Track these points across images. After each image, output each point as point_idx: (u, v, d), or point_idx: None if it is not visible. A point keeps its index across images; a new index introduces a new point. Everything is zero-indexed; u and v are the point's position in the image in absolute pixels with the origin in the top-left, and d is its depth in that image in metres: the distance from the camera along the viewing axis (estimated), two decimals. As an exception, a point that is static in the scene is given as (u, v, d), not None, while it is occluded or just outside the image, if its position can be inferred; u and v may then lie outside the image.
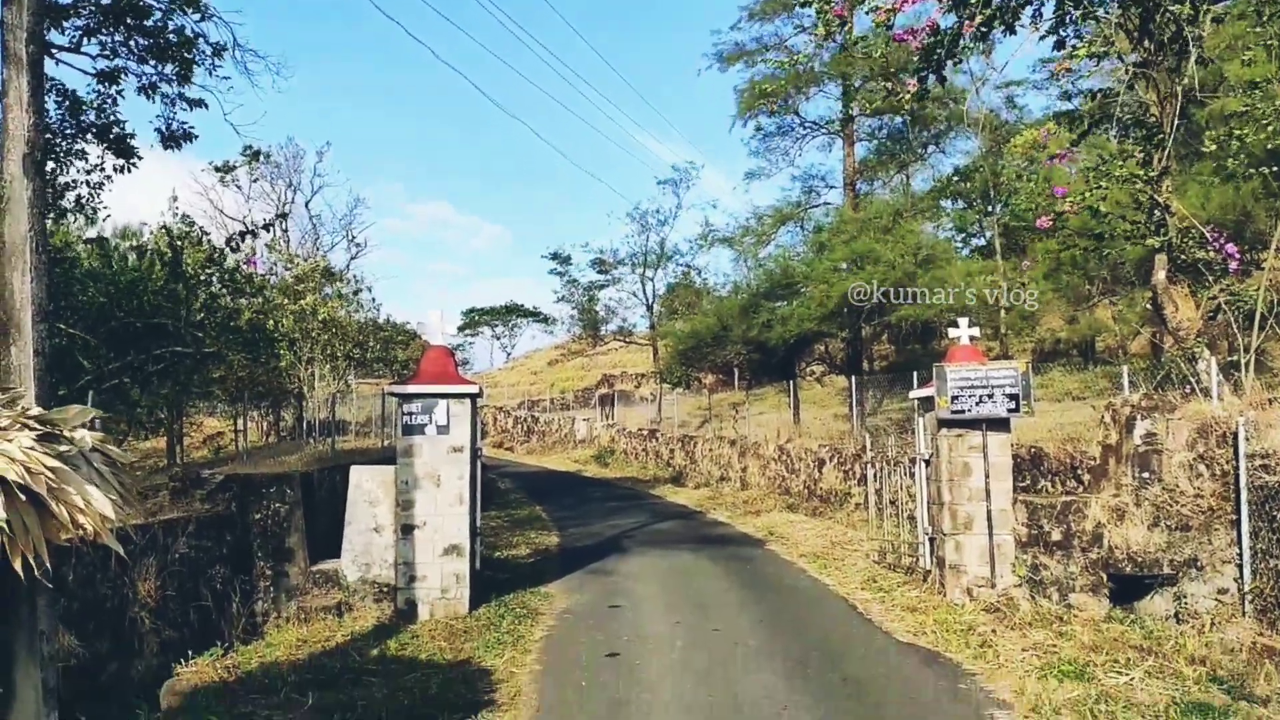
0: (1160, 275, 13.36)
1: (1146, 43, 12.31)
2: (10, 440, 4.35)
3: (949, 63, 7.37)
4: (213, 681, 8.53)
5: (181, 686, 8.40)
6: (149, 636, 8.83)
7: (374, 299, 37.89)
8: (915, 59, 7.52)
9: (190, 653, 9.20)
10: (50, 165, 13.76)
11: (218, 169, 21.33)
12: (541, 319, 73.85)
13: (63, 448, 4.63)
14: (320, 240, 43.68)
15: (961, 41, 8.11)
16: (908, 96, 7.81)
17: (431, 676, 8.60)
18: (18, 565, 4.26)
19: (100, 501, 4.62)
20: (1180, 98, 12.42)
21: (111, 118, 13.71)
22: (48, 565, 4.41)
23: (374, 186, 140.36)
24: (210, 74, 14.05)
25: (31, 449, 4.37)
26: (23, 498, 4.27)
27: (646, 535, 17.68)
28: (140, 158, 14.07)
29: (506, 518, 20.45)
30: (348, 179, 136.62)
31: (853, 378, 25.24)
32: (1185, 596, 10.04)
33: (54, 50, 12.24)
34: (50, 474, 4.36)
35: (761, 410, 30.36)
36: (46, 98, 13.07)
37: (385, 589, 11.25)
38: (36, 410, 4.83)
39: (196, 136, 14.06)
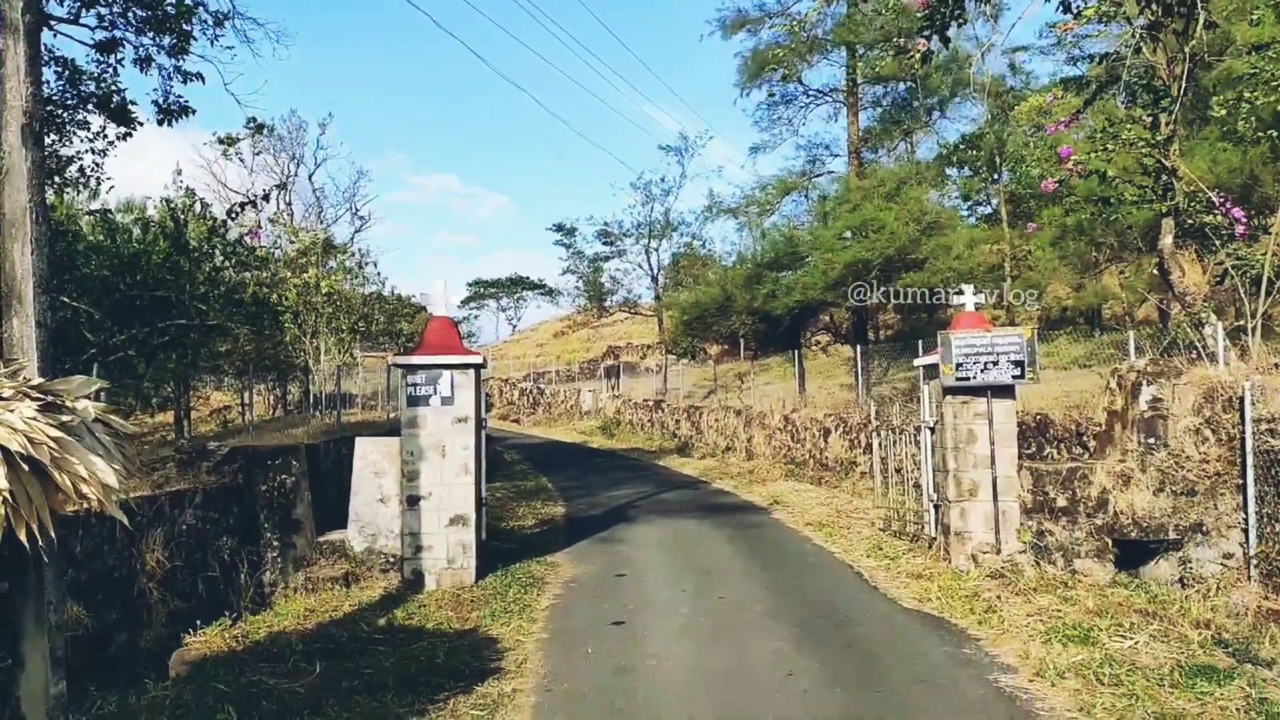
0: (1167, 240, 13.29)
1: (1154, 4, 12.16)
2: (12, 410, 4.35)
3: (953, 23, 7.27)
4: (221, 651, 8.59)
5: (190, 656, 8.45)
6: (157, 607, 8.89)
7: (379, 272, 37.91)
8: (919, 18, 7.42)
9: (199, 623, 9.26)
10: (53, 137, 13.73)
11: (221, 141, 21.33)
12: (546, 291, 73.83)
13: (65, 418, 4.63)
14: (324, 213, 43.62)
15: (966, 1, 7.99)
16: (917, 56, 7.69)
17: (438, 645, 8.65)
18: (22, 535, 4.27)
19: (104, 471, 4.63)
20: (1188, 60, 12.29)
21: (111, 87, 13.63)
22: (52, 535, 4.42)
23: (379, 160, 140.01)
24: (212, 44, 13.94)
25: (34, 419, 4.37)
26: (25, 467, 4.27)
27: (652, 505, 17.73)
28: (140, 123, 14.00)
29: (513, 489, 20.51)
30: (351, 151, 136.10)
31: (858, 347, 25.23)
32: (1190, 561, 10.05)
33: (52, 21, 12.14)
34: (53, 444, 4.36)
35: (767, 380, 30.38)
36: (46, 69, 13.06)
37: (392, 559, 11.30)
38: (38, 380, 4.83)
39: (193, 111, 13.94)
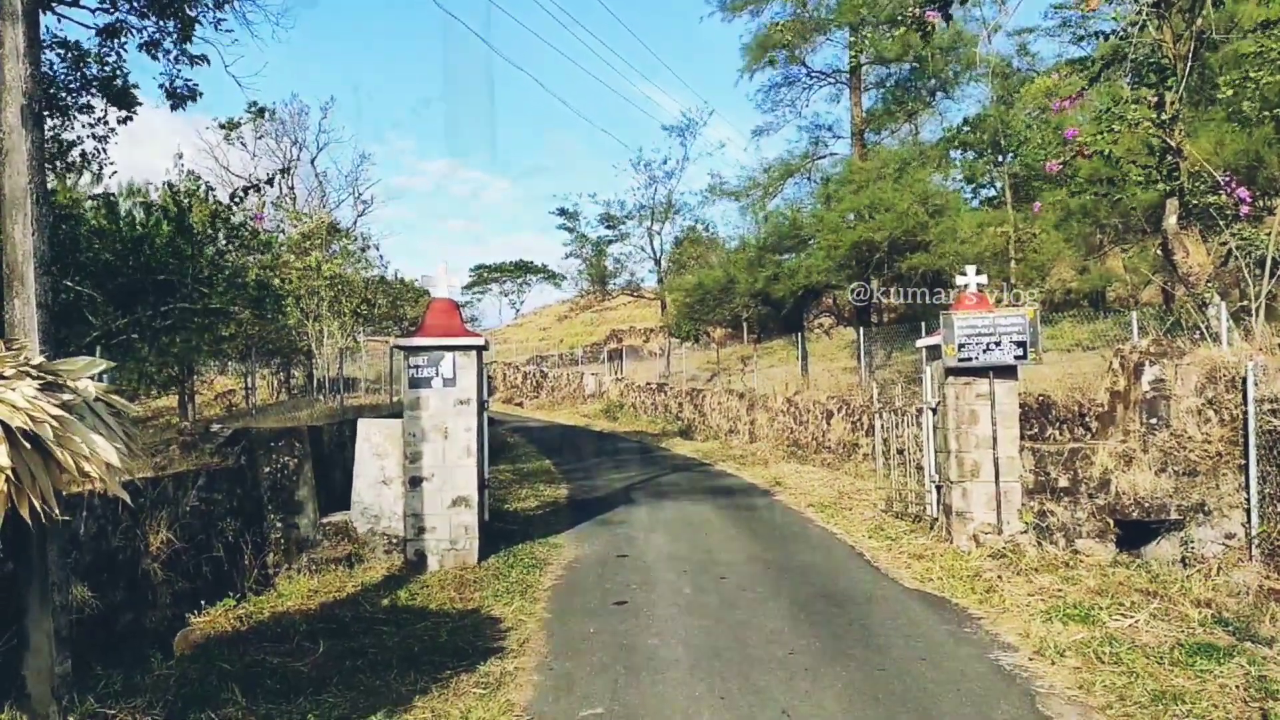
0: (1171, 220, 13.24)
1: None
2: (13, 389, 4.36)
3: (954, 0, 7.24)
4: (226, 631, 8.64)
5: (195, 636, 8.50)
6: (162, 588, 8.92)
7: (381, 256, 37.98)
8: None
9: (203, 603, 9.31)
10: (55, 120, 13.70)
11: (223, 126, 21.29)
12: (549, 275, 73.76)
13: (66, 397, 4.64)
14: (327, 198, 43.62)
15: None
16: (932, 28, 7.62)
17: (441, 625, 8.69)
18: (25, 513, 4.29)
19: (105, 450, 4.64)
20: (1194, 39, 12.21)
21: (114, 70, 13.60)
22: (56, 513, 4.44)
23: (381, 144, 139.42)
24: (216, 28, 13.90)
25: (35, 397, 4.38)
26: (27, 445, 4.29)
27: (655, 487, 17.77)
28: (140, 104, 13.98)
29: (515, 471, 20.55)
30: (353, 136, 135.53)
31: (860, 329, 25.22)
32: (1192, 541, 10.06)
33: (53, 3, 12.12)
34: (54, 421, 4.37)
35: (770, 364, 30.38)
36: (49, 52, 13.03)
37: (394, 540, 11.34)
38: (39, 359, 4.84)
39: (201, 94, 13.95)
